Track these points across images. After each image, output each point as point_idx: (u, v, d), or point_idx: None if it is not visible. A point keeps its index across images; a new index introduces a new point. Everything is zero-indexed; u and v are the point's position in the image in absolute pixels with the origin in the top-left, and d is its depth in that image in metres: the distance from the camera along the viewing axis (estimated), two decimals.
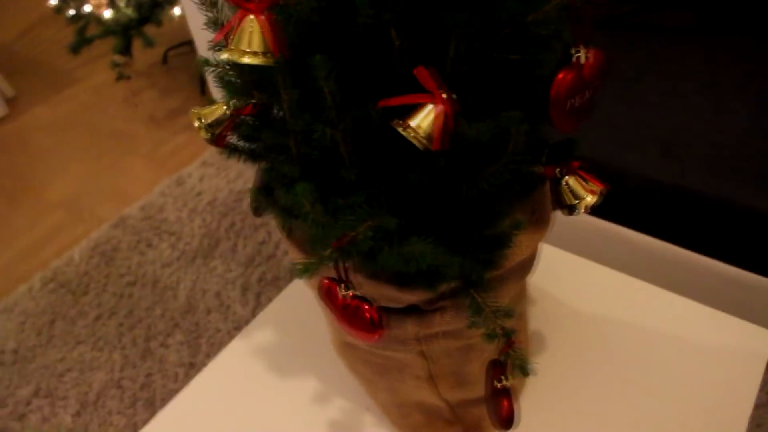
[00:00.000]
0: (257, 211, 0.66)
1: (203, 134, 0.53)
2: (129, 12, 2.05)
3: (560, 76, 0.45)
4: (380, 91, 0.47)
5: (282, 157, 0.51)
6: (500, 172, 0.48)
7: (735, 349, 0.77)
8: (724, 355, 0.77)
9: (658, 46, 1.47)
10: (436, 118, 0.42)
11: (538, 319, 0.85)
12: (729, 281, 1.20)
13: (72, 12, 2.19)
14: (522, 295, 0.74)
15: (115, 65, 2.12)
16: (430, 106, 0.43)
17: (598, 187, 0.55)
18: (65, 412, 1.41)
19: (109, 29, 2.07)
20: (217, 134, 0.53)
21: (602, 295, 0.87)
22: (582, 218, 1.32)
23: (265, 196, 0.59)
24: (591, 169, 0.55)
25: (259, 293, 1.57)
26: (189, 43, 2.59)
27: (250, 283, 1.60)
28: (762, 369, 0.76)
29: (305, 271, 0.44)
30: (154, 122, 2.26)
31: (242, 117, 0.52)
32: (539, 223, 0.61)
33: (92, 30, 2.24)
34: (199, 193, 1.89)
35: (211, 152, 2.04)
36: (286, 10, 0.41)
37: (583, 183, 0.55)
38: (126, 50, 2.10)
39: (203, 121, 0.53)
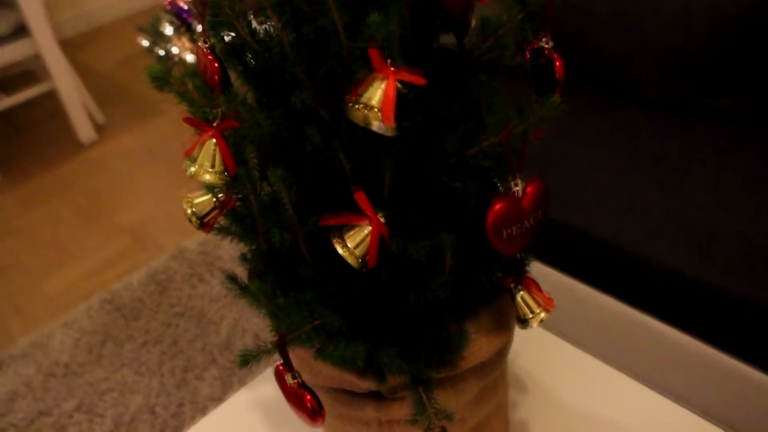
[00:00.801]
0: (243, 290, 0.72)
1: (194, 222, 0.60)
2: None
3: (496, 206, 0.49)
4: (335, 203, 0.52)
5: (254, 254, 0.57)
6: (440, 286, 0.52)
7: None
8: None
9: (708, 133, 1.46)
10: (371, 239, 0.47)
11: (524, 408, 0.87)
12: (741, 378, 1.17)
13: (162, 52, 2.37)
14: (498, 387, 0.76)
15: None
16: (366, 228, 0.47)
17: (549, 306, 0.58)
18: (101, 429, 1.51)
19: (191, 72, 2.23)
20: (204, 222, 0.60)
21: (596, 392, 0.88)
22: (606, 300, 1.32)
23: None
24: (539, 286, 0.58)
25: None
26: None
27: None
28: None
29: (244, 363, 0.49)
30: None
31: (226, 207, 0.59)
32: (502, 328, 0.64)
33: (178, 69, 2.40)
34: None
35: None
36: (240, 133, 0.47)
37: (536, 299, 0.58)
38: None
39: (193, 211, 0.60)
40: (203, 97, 0.45)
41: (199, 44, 0.52)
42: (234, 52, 0.50)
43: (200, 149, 0.46)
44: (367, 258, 0.47)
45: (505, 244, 0.51)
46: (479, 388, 0.68)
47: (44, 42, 2.40)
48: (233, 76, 0.53)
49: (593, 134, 1.47)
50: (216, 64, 0.51)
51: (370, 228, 0.47)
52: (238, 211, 0.58)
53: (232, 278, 0.57)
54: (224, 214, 0.60)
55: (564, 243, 1.32)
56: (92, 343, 1.74)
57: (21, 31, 2.40)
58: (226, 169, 0.46)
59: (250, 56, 0.49)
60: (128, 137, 2.64)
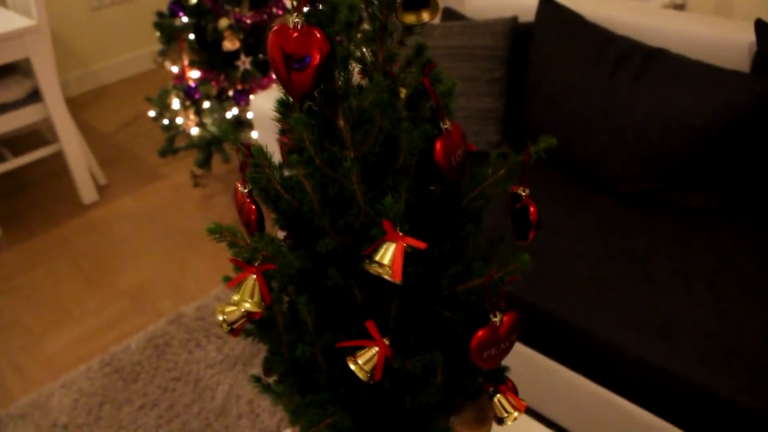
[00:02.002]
0: (265, 374, 0.82)
1: (225, 327, 0.71)
2: (213, 130, 2.34)
3: (479, 333, 0.61)
4: (348, 323, 0.63)
5: (277, 357, 0.67)
6: (433, 393, 0.63)
7: None
8: None
9: (675, 226, 1.60)
10: (378, 359, 0.58)
11: None
12: None
13: (166, 122, 2.51)
14: None
15: (194, 176, 2.40)
16: (374, 349, 0.59)
17: (521, 407, 0.69)
18: None
19: (193, 143, 2.36)
20: (233, 328, 0.71)
21: None
22: (581, 382, 1.43)
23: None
24: (515, 390, 0.69)
25: None
26: None
27: None
28: None
29: None
30: None
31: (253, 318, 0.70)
32: (483, 421, 0.75)
33: (180, 139, 2.53)
34: None
35: None
36: (273, 273, 0.58)
37: (510, 402, 0.69)
38: (206, 163, 2.38)
39: (225, 318, 0.71)
40: (249, 244, 0.56)
41: (239, 188, 0.64)
42: (269, 198, 0.62)
43: (242, 283, 0.58)
44: (374, 373, 0.58)
45: (485, 362, 0.62)
46: None
47: (55, 106, 2.53)
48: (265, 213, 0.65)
49: (572, 225, 1.60)
50: (253, 207, 0.63)
51: (377, 349, 0.58)
52: (263, 321, 0.69)
53: (257, 378, 0.67)
54: (252, 322, 0.72)
55: (543, 327, 1.43)
56: (91, 405, 1.81)
57: (34, 95, 2.53)
58: (263, 299, 0.58)
59: (283, 205, 0.61)
60: (129, 200, 2.75)
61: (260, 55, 2.20)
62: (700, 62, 1.63)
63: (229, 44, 2.10)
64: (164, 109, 2.45)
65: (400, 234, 0.53)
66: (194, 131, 2.31)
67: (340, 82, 0.57)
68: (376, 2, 0.57)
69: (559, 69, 1.77)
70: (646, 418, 1.35)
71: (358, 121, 0.58)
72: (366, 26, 0.59)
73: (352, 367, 0.59)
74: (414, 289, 0.60)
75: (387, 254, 0.53)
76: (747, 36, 1.64)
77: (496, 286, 0.59)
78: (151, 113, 2.47)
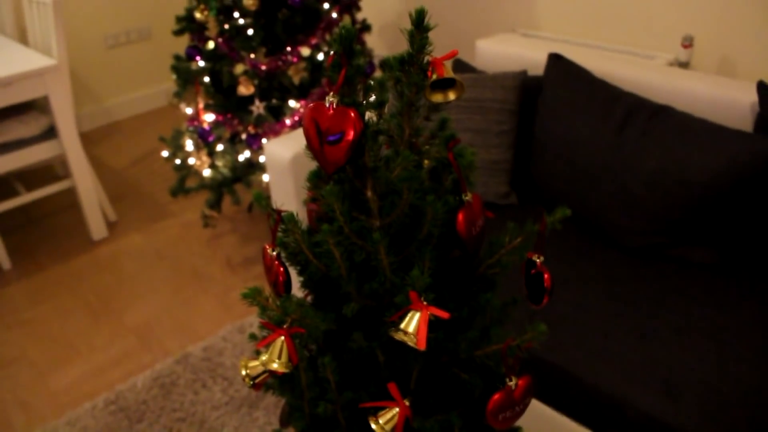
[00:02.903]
0: (281, 425, 0.84)
1: (247, 381, 0.74)
2: (225, 172, 2.38)
3: (495, 397, 0.63)
4: (369, 383, 0.66)
5: (298, 413, 0.70)
6: None
7: None
8: None
9: (679, 280, 1.63)
10: (398, 419, 0.61)
11: None
12: None
13: (178, 161, 2.55)
14: None
15: (205, 216, 2.44)
16: (395, 410, 0.61)
17: None
18: None
19: (204, 184, 2.41)
20: (255, 383, 0.73)
21: None
22: None
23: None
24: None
25: None
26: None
27: None
28: None
29: None
30: (230, 267, 2.54)
31: (274, 375, 0.72)
32: None
33: (191, 180, 2.58)
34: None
35: None
36: (303, 335, 0.61)
37: None
38: (216, 204, 2.41)
39: (249, 372, 0.73)
40: (279, 308, 0.59)
41: (268, 251, 0.68)
42: (297, 261, 0.66)
43: (272, 344, 0.60)
44: None
45: (500, 424, 0.65)
46: None
47: (70, 143, 2.58)
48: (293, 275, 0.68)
49: (578, 278, 1.63)
50: (281, 269, 0.66)
51: (398, 410, 0.61)
52: (284, 377, 0.72)
53: (278, 430, 0.70)
54: (273, 377, 0.74)
55: (547, 379, 1.45)
56: None
57: (49, 132, 2.59)
58: (290, 359, 0.61)
59: (311, 269, 0.64)
60: (138, 237, 2.78)
61: (273, 101, 2.25)
62: (704, 120, 1.67)
63: (244, 89, 2.16)
64: (177, 149, 2.49)
65: (425, 303, 0.56)
66: (206, 173, 2.35)
67: (369, 156, 0.60)
68: (405, 81, 0.61)
69: (568, 123, 1.82)
70: None
71: (385, 191, 0.62)
72: (394, 103, 0.63)
73: (373, 426, 0.61)
74: (433, 353, 0.63)
75: (412, 323, 0.56)
76: (749, 96, 1.69)
77: (513, 352, 0.62)
78: (165, 153, 2.51)
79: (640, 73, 1.87)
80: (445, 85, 0.62)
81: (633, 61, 1.94)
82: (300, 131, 1.92)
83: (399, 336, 0.56)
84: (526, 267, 0.74)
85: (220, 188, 2.37)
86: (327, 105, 0.58)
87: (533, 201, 1.99)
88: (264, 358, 0.61)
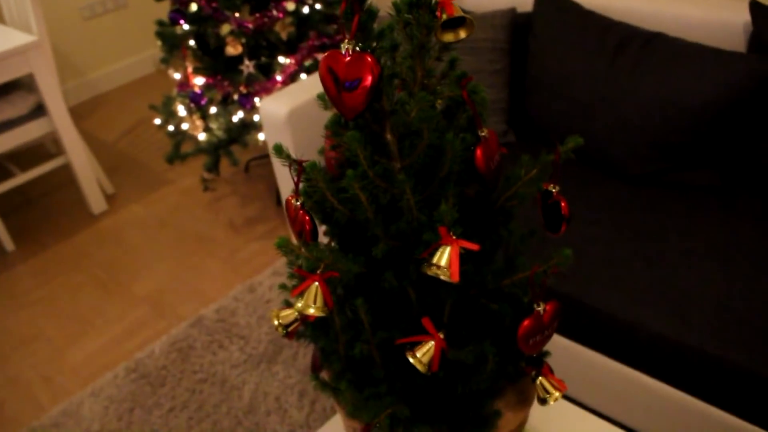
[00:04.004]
0: (313, 371, 0.87)
1: (280, 330, 0.76)
2: (220, 134, 2.37)
3: (525, 323, 0.65)
4: (402, 322, 0.68)
5: (333, 356, 0.72)
6: (484, 380, 0.68)
7: None
8: None
9: (682, 205, 1.65)
10: (435, 352, 0.63)
11: None
12: (724, 426, 1.34)
13: (171, 128, 2.54)
14: None
15: (204, 180, 2.44)
16: (431, 343, 0.64)
17: (562, 388, 0.74)
18: None
19: (201, 148, 2.40)
20: (289, 331, 0.76)
21: None
22: (600, 360, 1.48)
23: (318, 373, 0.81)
24: (553, 371, 0.74)
25: (314, 401, 1.78)
26: (269, 156, 2.91)
27: (307, 390, 1.81)
28: None
29: None
30: (233, 228, 2.55)
31: (307, 321, 0.75)
32: (524, 402, 0.80)
33: (187, 145, 2.57)
34: (268, 301, 2.13)
35: (282, 263, 2.30)
36: (335, 279, 0.63)
37: (552, 383, 0.74)
38: (214, 167, 2.41)
39: (281, 322, 0.75)
40: (313, 255, 0.61)
41: (292, 201, 0.69)
42: (322, 209, 0.67)
43: (306, 290, 0.62)
44: (432, 365, 0.63)
45: (530, 348, 0.68)
46: None
47: (60, 119, 2.56)
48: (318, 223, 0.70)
49: (584, 210, 1.66)
50: (307, 218, 0.68)
51: (433, 343, 0.63)
52: (316, 323, 0.74)
53: (316, 375, 0.72)
54: (305, 324, 0.76)
55: (562, 310, 1.48)
56: (121, 411, 1.86)
57: (38, 110, 2.56)
58: (325, 303, 0.63)
59: (337, 216, 0.65)
60: (138, 207, 2.79)
61: (263, 59, 2.23)
62: (697, 44, 1.67)
63: (232, 49, 2.14)
64: (169, 115, 2.48)
65: (454, 237, 0.57)
66: (201, 137, 2.35)
67: (386, 100, 0.61)
68: (414, 24, 0.61)
69: (560, 58, 1.82)
70: (664, 390, 1.41)
71: (403, 133, 0.63)
72: (405, 46, 0.64)
73: (411, 360, 0.64)
74: (463, 286, 0.65)
75: (443, 257, 0.58)
76: (742, 16, 1.69)
77: (540, 278, 0.64)
78: (157, 121, 2.50)
79: (630, 2, 1.85)
80: (455, 24, 0.62)
81: None
82: (294, 86, 1.91)
83: (432, 271, 0.58)
84: (543, 197, 0.76)
85: (216, 151, 2.37)
86: (343, 52, 0.59)
87: (531, 138, 2.00)
88: (299, 305, 0.63)
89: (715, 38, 1.74)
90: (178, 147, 2.54)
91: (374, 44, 0.59)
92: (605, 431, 1.06)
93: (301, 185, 0.67)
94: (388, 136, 0.63)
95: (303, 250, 0.60)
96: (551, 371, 0.76)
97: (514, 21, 1.94)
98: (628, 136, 1.72)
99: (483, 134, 0.66)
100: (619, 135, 1.73)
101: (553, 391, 0.75)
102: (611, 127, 1.75)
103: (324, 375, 0.80)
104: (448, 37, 0.62)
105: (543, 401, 0.75)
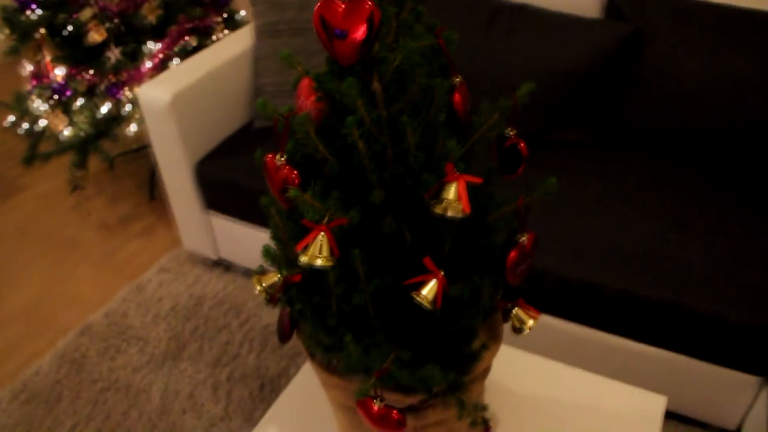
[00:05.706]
0: (283, 341, 0.87)
1: (263, 295, 0.75)
2: (86, 128, 2.21)
3: (512, 254, 0.70)
4: (394, 269, 0.70)
5: (328, 312, 0.73)
6: (475, 315, 0.72)
7: (633, 413, 1.03)
8: (627, 419, 1.03)
9: (557, 161, 1.80)
10: (438, 289, 0.66)
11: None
12: (642, 357, 1.49)
13: (26, 126, 2.33)
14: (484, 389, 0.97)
15: (74, 178, 2.27)
16: (433, 281, 0.66)
17: (536, 315, 0.80)
18: None
19: (65, 146, 2.23)
20: (271, 295, 0.75)
21: (547, 381, 1.12)
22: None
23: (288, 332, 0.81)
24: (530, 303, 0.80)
25: (229, 391, 1.73)
26: (135, 151, 2.76)
27: (220, 382, 1.76)
28: (658, 427, 1.02)
29: (362, 394, 0.66)
30: (107, 229, 2.40)
31: (292, 282, 0.74)
32: (495, 339, 0.86)
33: (45, 144, 2.38)
34: (160, 299, 2.04)
35: (168, 258, 2.20)
36: (341, 227, 0.64)
37: (526, 313, 0.80)
38: (83, 164, 2.25)
39: (263, 285, 0.74)
40: (320, 204, 0.61)
41: (276, 159, 0.68)
42: (308, 161, 0.67)
43: (312, 243, 0.62)
44: (436, 302, 0.66)
45: (516, 278, 0.72)
46: (480, 389, 0.88)
47: None
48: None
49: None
50: (296, 172, 0.67)
51: (436, 281, 0.66)
52: (303, 283, 0.74)
53: (286, 341, 0.72)
54: (286, 289, 0.76)
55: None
56: None
57: None
58: (332, 253, 0.63)
59: (329, 166, 0.66)
60: None
61: (130, 45, 2.11)
62: (560, 13, 1.82)
63: (96, 35, 2.00)
64: (23, 113, 2.27)
65: (459, 174, 0.61)
66: (66, 132, 2.18)
67: (375, 49, 0.63)
68: None
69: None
70: (619, 342, 1.53)
71: (389, 81, 0.65)
72: None
73: (417, 299, 0.66)
74: (463, 221, 0.68)
75: (450, 191, 0.61)
76: None
77: (525, 209, 0.69)
78: (11, 118, 2.28)
79: None
80: None
81: None
82: (174, 70, 1.83)
83: (441, 208, 0.61)
84: (498, 141, 0.81)
85: (85, 146, 2.21)
86: None
87: None
88: (304, 258, 0.63)
89: (575, 7, 1.90)
90: (35, 147, 2.34)
91: None
92: (557, 369, 1.15)
93: (290, 141, 0.67)
94: (375, 84, 0.64)
95: (312, 199, 0.61)
96: (525, 303, 0.81)
97: None
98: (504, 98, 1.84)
99: (458, 80, 0.70)
100: (495, 99, 1.85)
101: (528, 320, 0.80)
102: (489, 94, 1.86)
103: (298, 339, 0.81)
104: None
105: (519, 330, 0.81)
